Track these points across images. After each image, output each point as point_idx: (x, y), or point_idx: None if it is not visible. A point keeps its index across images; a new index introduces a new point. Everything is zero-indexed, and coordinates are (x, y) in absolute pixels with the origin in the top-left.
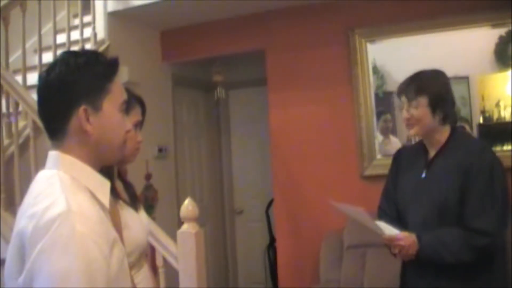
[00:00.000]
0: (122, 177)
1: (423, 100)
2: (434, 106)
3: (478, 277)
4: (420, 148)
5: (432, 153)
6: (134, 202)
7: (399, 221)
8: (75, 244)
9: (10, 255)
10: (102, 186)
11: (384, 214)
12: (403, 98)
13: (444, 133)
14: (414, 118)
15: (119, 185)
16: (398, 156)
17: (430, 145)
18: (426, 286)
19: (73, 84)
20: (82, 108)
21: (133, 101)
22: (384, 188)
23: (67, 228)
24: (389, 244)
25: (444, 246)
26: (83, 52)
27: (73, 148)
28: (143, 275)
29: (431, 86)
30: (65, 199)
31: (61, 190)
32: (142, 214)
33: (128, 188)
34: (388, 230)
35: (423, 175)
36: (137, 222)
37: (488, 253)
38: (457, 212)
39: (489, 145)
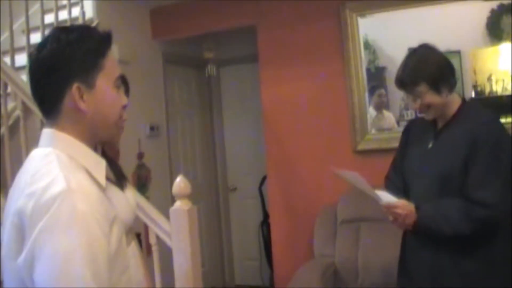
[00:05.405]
0: (107, 155)
1: (422, 87)
2: (436, 85)
3: (479, 249)
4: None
5: (441, 124)
6: (120, 180)
7: (405, 193)
8: (76, 222)
9: (7, 235)
10: (97, 164)
11: (391, 184)
12: (403, 92)
13: (454, 104)
14: (424, 106)
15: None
16: (408, 128)
17: (440, 117)
18: (426, 258)
19: (64, 61)
20: (75, 86)
21: None
22: (393, 160)
23: (68, 207)
24: (386, 211)
25: (442, 217)
26: (75, 28)
27: (67, 126)
28: (131, 252)
29: (423, 71)
30: (64, 177)
31: (59, 168)
32: (129, 193)
33: (114, 167)
34: (387, 197)
35: (430, 145)
36: (122, 200)
37: (489, 226)
38: (460, 184)
39: (498, 117)
